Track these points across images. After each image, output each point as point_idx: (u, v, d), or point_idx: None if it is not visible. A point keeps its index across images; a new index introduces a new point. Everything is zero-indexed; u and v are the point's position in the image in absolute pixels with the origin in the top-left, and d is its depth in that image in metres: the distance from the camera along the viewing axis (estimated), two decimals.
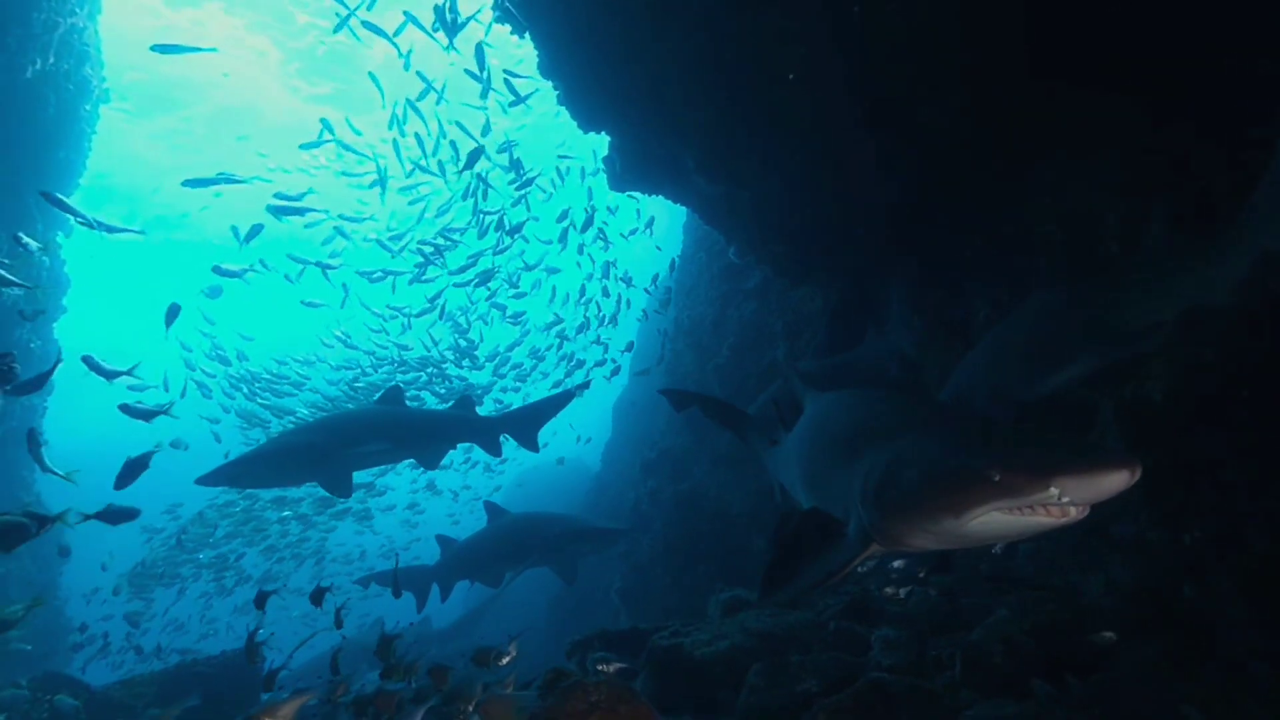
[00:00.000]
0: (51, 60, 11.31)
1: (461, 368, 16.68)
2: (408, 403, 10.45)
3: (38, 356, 12.94)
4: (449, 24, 8.93)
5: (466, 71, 10.46)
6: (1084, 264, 5.38)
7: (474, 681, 4.37)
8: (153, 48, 8.42)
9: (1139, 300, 4.42)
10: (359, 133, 14.49)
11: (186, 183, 8.83)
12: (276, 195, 9.05)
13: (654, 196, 10.79)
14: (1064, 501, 2.36)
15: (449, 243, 13.94)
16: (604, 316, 17.12)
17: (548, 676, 3.85)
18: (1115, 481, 2.31)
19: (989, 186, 6.07)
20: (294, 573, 18.41)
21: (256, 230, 9.94)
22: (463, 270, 14.80)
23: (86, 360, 6.74)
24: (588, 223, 15.15)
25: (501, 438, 9.89)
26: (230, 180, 8.73)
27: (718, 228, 9.96)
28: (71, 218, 7.33)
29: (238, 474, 8.19)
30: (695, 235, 14.97)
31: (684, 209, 11.76)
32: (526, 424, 9.92)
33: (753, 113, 7.08)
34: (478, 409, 10.59)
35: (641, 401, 18.19)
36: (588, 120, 9.23)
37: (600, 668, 5.70)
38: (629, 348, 16.99)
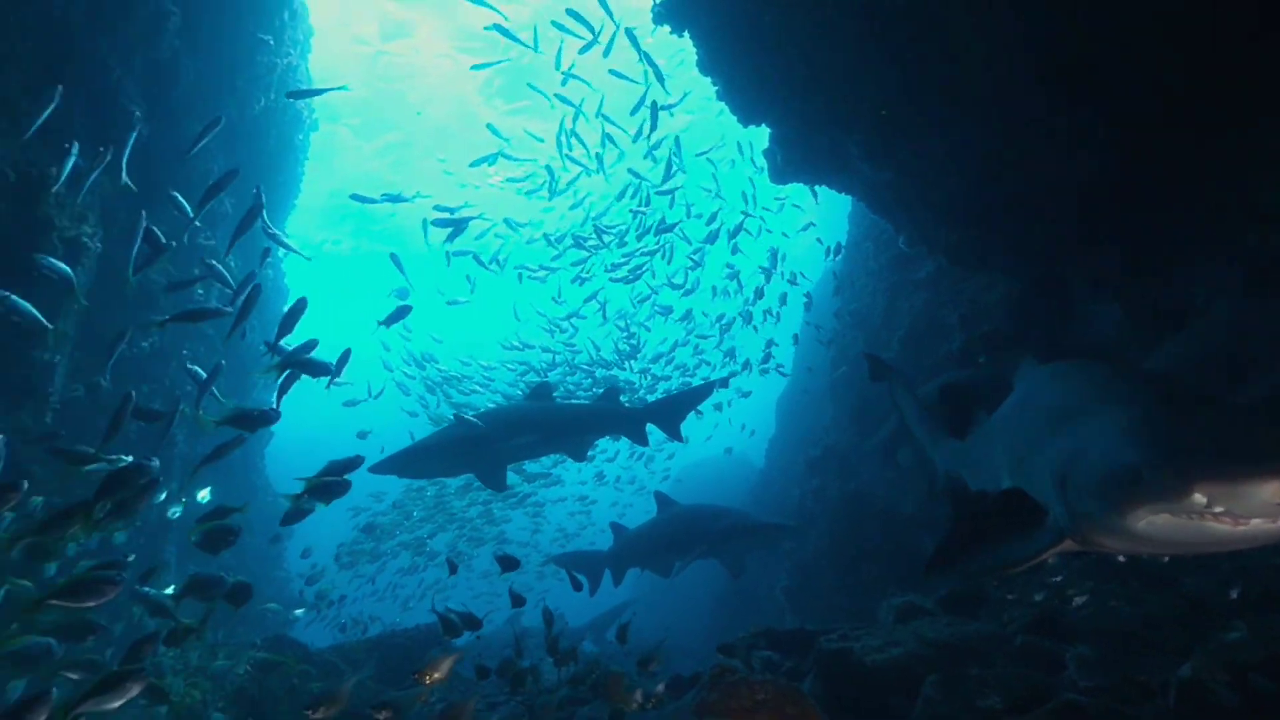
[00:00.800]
0: (271, 97, 12.86)
1: (625, 368, 17.11)
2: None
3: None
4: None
5: (612, 72, 10.83)
6: None
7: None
8: (287, 94, 9.23)
9: None
10: (540, 139, 15.10)
11: (354, 197, 9.69)
12: (436, 209, 9.72)
13: (817, 187, 10.52)
14: (1225, 511, 1.99)
15: (602, 240, 14.40)
16: (766, 312, 16.96)
17: (713, 671, 3.88)
18: (1268, 491, 1.92)
19: (1207, 156, 5.36)
20: (475, 557, 19.77)
21: (459, 226, 10.43)
22: (618, 267, 15.20)
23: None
24: (737, 228, 15.11)
25: (647, 428, 10.15)
26: (394, 199, 9.46)
27: (885, 216, 9.53)
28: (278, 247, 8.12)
29: (403, 464, 8.88)
30: (862, 226, 14.42)
31: (849, 199, 11.38)
32: (670, 414, 10.17)
33: (924, 92, 6.71)
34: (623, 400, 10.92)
35: (805, 398, 17.80)
36: (748, 114, 9.15)
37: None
38: (768, 348, 16.65)
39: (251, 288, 5.70)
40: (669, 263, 16.14)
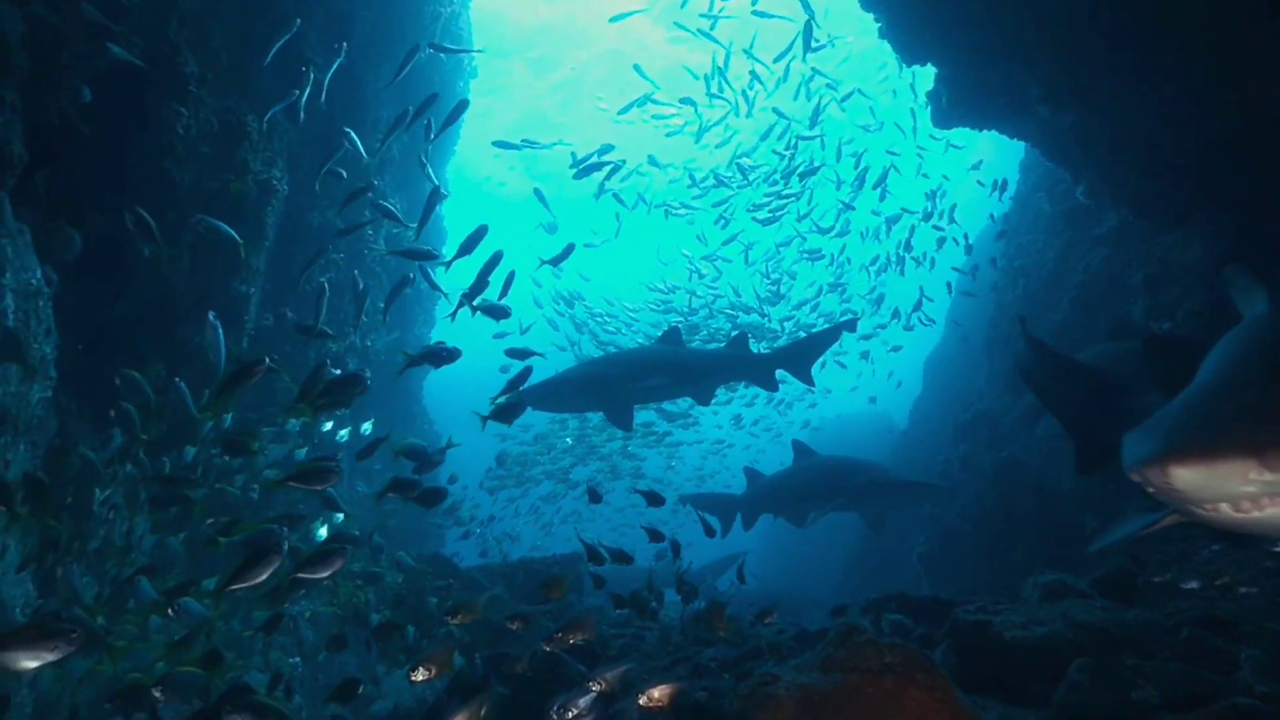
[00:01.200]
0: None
1: (764, 316, 16.86)
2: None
3: (426, 296, 15.77)
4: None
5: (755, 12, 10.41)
6: None
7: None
8: (429, 46, 9.47)
9: None
10: (695, 76, 14.82)
11: (496, 143, 9.89)
12: (573, 157, 9.78)
13: (985, 132, 9.70)
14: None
15: (746, 178, 14.12)
16: (920, 257, 16.12)
17: (841, 629, 3.84)
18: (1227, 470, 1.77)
19: None
20: (612, 490, 20.61)
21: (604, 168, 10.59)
22: (759, 208, 14.86)
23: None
24: (884, 174, 14.34)
25: (778, 374, 10.04)
26: (532, 146, 9.59)
27: (1064, 164, 8.68)
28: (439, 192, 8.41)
29: (539, 397, 9.16)
30: (1034, 175, 13.20)
31: (1020, 147, 10.44)
32: (800, 359, 10.02)
33: (1121, 21, 5.96)
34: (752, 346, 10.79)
35: (957, 358, 16.81)
36: (912, 52, 8.55)
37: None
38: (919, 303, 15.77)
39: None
40: (810, 207, 15.70)
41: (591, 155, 9.92)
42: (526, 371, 7.09)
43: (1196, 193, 6.89)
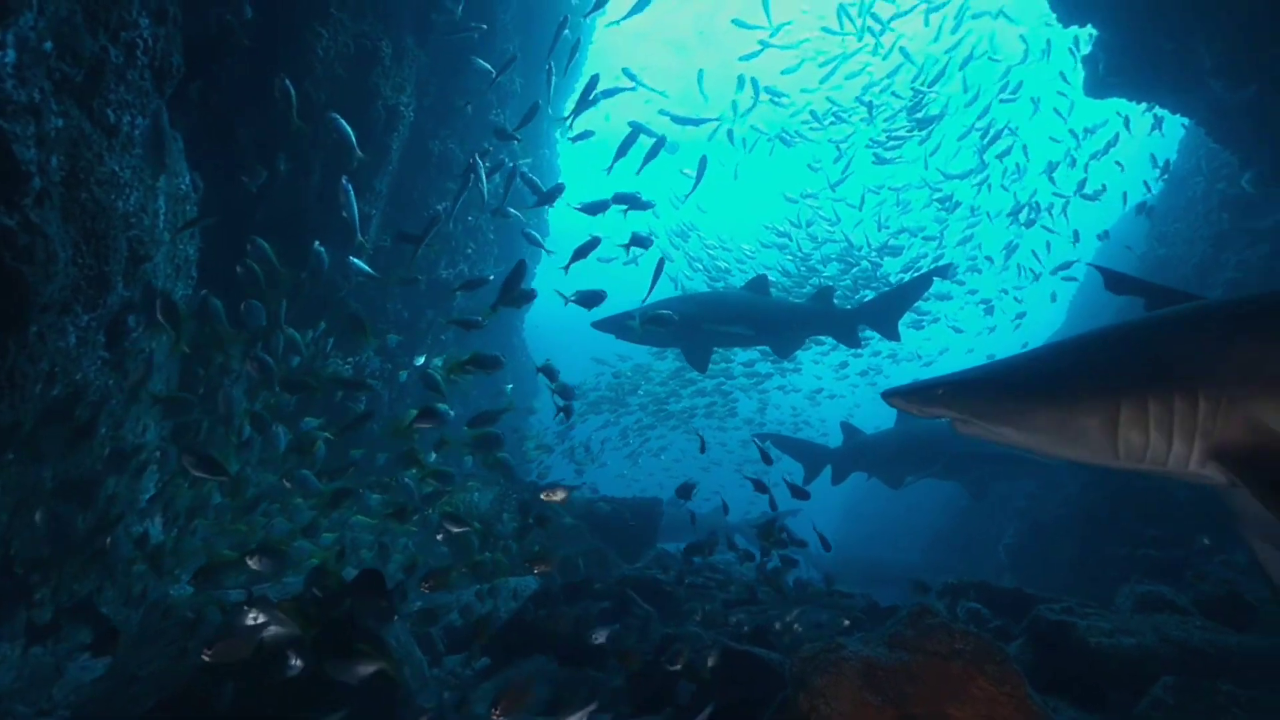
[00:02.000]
0: None
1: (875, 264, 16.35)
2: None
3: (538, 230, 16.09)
4: None
5: None
6: None
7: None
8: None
9: None
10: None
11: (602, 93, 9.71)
12: (663, 113, 9.50)
13: (1143, 104, 8.88)
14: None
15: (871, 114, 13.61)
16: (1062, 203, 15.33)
17: (914, 610, 3.77)
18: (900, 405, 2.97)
19: None
20: (705, 428, 20.91)
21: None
22: (876, 144, 14.34)
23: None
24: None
25: (860, 329, 9.86)
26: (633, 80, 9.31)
27: (1232, 147, 7.86)
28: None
29: (619, 326, 9.24)
30: (1195, 157, 12.01)
31: (1182, 125, 9.50)
32: (885, 314, 9.77)
33: None
34: (835, 301, 10.55)
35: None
36: (1071, 10, 7.85)
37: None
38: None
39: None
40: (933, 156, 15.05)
41: (687, 119, 9.75)
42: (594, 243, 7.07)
43: None
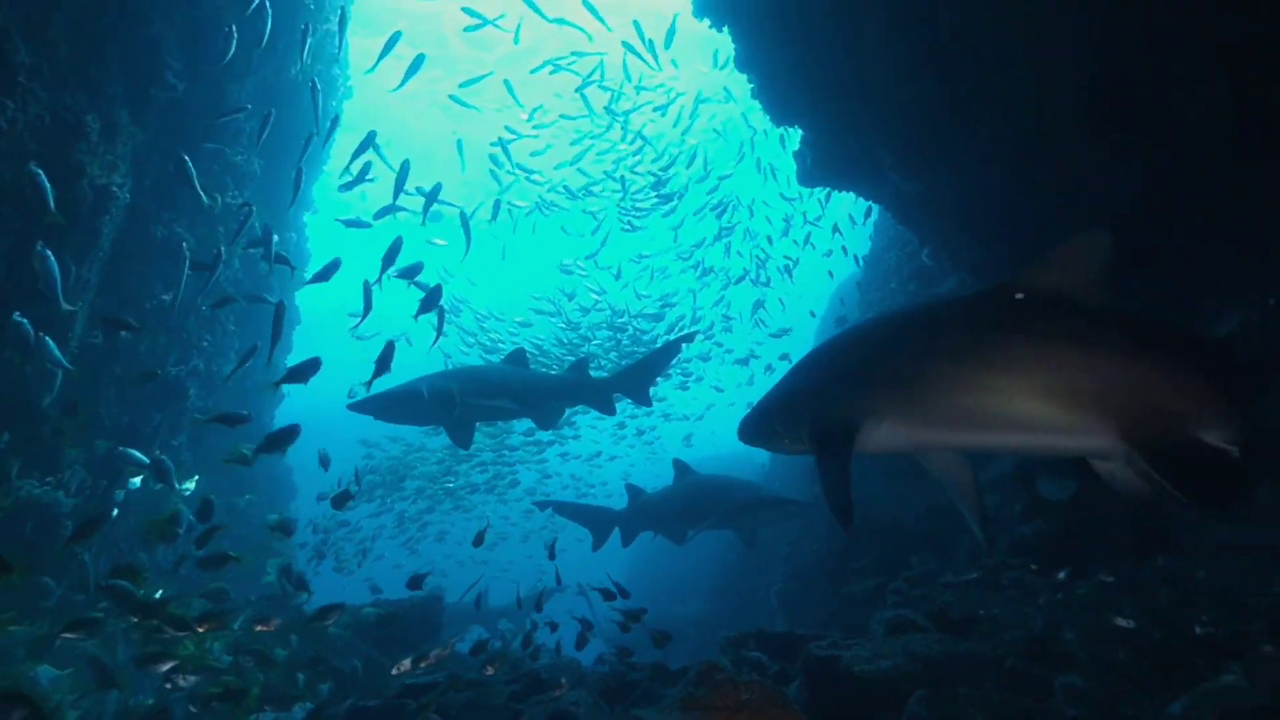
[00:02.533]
0: (308, 61, 12.89)
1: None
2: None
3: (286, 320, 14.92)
4: None
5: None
6: None
7: None
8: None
9: None
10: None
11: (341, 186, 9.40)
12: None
13: (845, 193, 10.44)
14: None
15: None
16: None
17: (701, 668, 3.89)
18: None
19: (1247, 190, 5.28)
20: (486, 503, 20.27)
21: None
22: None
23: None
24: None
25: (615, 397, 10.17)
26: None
27: (911, 228, 9.46)
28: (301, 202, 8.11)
29: (379, 407, 8.79)
30: (887, 234, 14.32)
31: (876, 207, 11.30)
32: (636, 382, 10.22)
33: (963, 103, 6.63)
34: (591, 371, 10.83)
35: None
36: (781, 115, 9.09)
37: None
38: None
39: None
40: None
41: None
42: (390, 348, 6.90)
43: (1020, 263, 7.71)
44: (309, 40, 11.74)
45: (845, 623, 8.46)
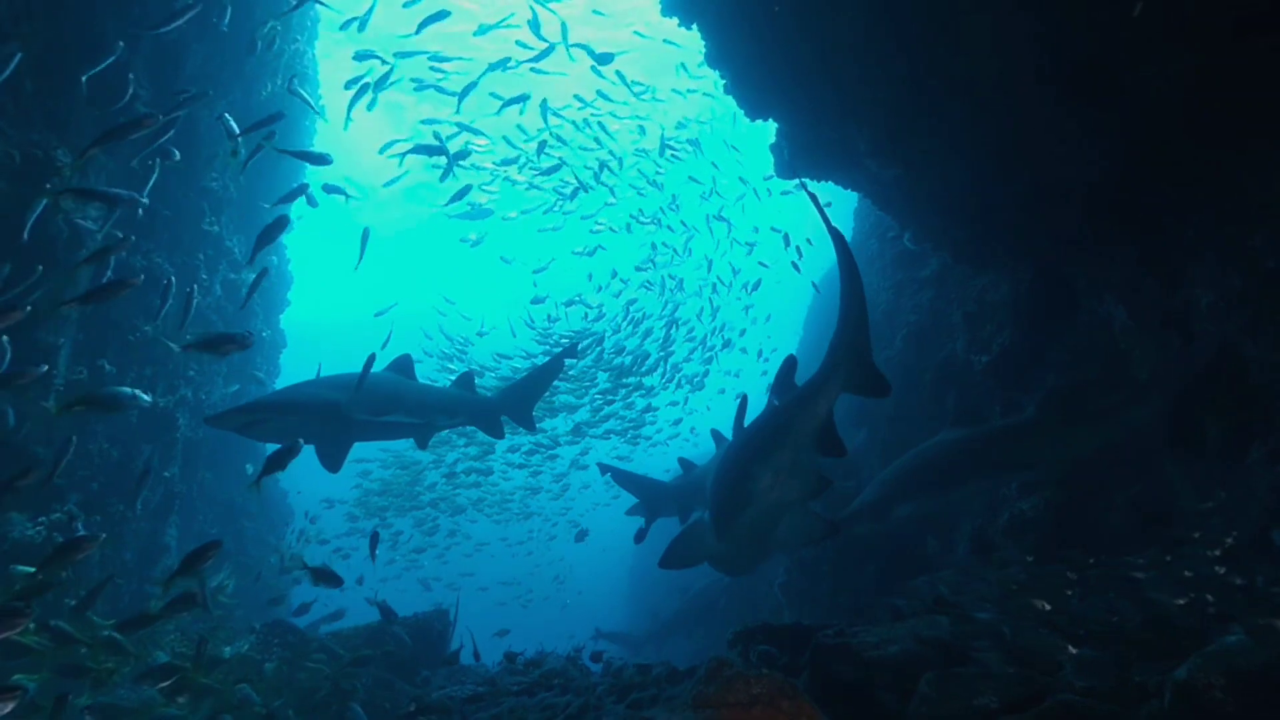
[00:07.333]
0: (279, 82, 12.81)
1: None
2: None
3: (269, 345, 14.83)
4: None
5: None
6: None
7: None
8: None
9: None
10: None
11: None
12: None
13: (824, 183, 10.47)
14: None
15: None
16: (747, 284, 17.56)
17: (711, 665, 3.88)
18: None
19: (1219, 158, 5.33)
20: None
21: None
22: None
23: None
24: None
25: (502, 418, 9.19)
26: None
27: (891, 213, 9.50)
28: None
29: (243, 422, 7.23)
30: (867, 222, 14.36)
31: (855, 195, 11.34)
32: (520, 402, 9.28)
33: (933, 88, 6.67)
34: (477, 386, 9.69)
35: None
36: (755, 108, 9.11)
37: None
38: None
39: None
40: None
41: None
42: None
43: (1000, 241, 7.75)
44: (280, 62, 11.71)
45: (852, 609, 8.48)
